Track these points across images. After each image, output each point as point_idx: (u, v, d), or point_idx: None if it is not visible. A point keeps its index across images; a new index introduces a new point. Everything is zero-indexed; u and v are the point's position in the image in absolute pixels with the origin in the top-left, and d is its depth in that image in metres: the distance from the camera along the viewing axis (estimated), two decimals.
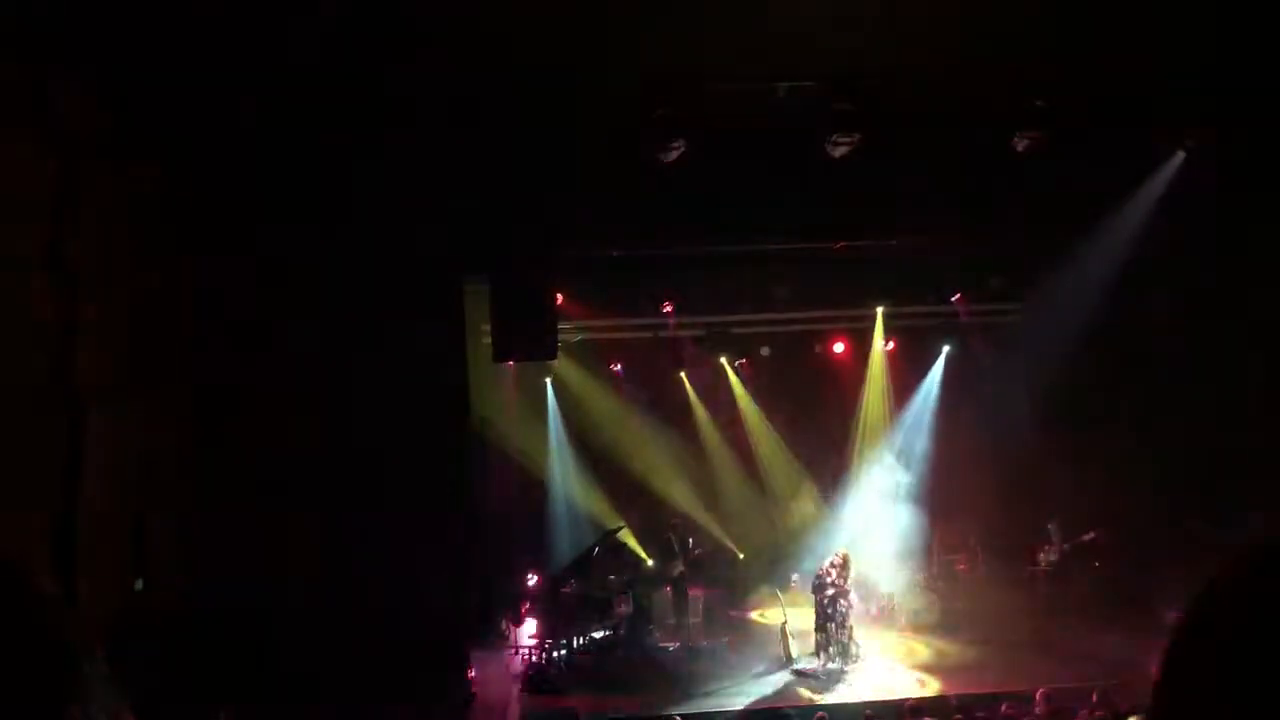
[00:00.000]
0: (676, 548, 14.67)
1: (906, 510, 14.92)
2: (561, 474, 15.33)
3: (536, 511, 14.73)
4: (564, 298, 13.81)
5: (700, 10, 10.12)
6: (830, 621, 12.65)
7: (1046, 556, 14.38)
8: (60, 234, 7.71)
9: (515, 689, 12.50)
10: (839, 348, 15.86)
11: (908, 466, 15.44)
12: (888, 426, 15.90)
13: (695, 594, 14.65)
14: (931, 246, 13.87)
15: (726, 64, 10.89)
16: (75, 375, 7.95)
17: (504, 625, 13.82)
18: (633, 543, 15.12)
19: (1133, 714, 8.46)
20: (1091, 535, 13.72)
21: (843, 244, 13.85)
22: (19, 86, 7.31)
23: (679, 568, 14.52)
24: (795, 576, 14.73)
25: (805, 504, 15.98)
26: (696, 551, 14.90)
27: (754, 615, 14.64)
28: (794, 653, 12.93)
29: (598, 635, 12.98)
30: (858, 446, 16.00)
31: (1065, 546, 14.01)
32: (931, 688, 11.71)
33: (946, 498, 14.87)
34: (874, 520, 15.04)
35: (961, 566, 15.19)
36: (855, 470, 15.81)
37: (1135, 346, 13.68)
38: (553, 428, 15.46)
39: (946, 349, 15.66)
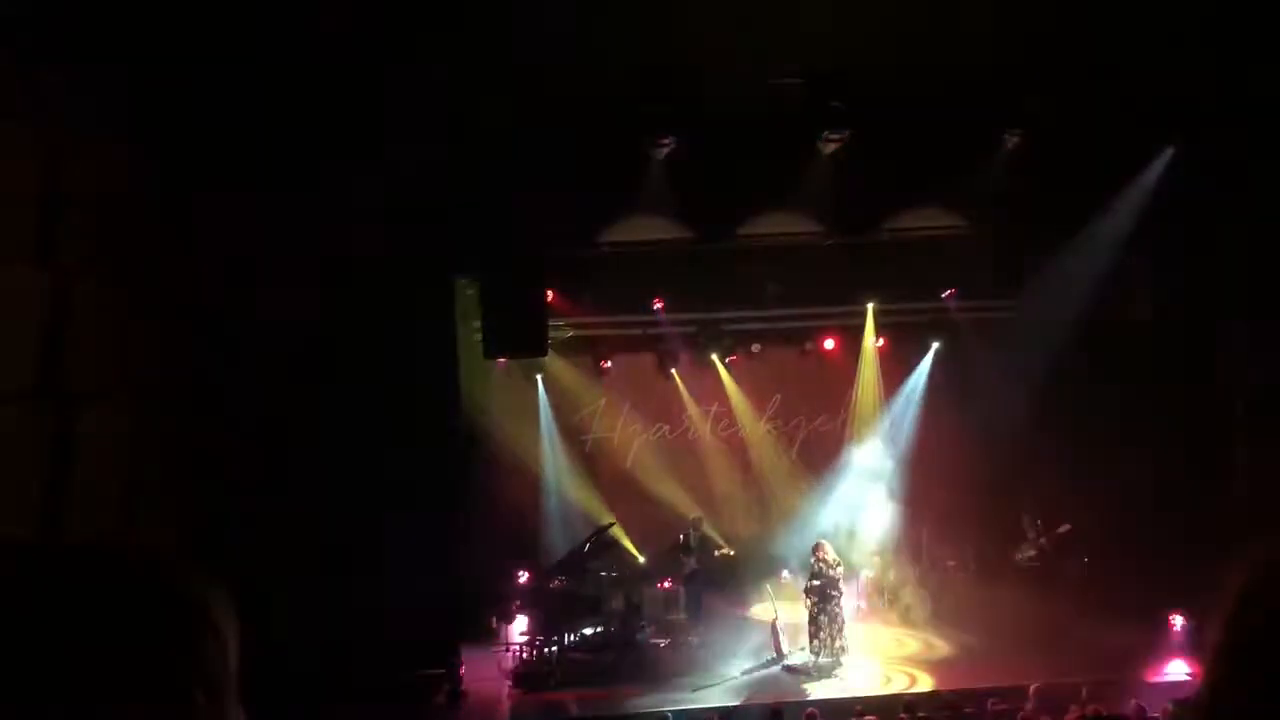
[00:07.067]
0: (693, 545, 14.59)
1: (892, 503, 14.97)
2: (554, 471, 15.27)
3: (529, 508, 14.66)
4: (554, 294, 13.77)
5: (691, 7, 10.11)
6: (822, 615, 12.67)
7: (1024, 552, 14.44)
8: (50, 228, 7.63)
9: (506, 687, 12.47)
10: (830, 344, 15.87)
11: (893, 454, 15.49)
12: (878, 421, 15.93)
13: (685, 590, 14.62)
14: (922, 243, 13.89)
15: (717, 61, 10.88)
16: (65, 374, 7.87)
17: (494, 622, 13.77)
18: (625, 540, 15.08)
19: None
20: (1066, 528, 13.77)
21: (833, 240, 13.87)
22: (8, 77, 7.23)
23: (691, 565, 14.45)
24: (785, 572, 14.73)
25: (795, 500, 15.97)
26: (717, 552, 14.80)
27: (745, 611, 14.62)
28: (785, 648, 12.94)
29: (589, 632, 12.95)
30: (849, 443, 16.02)
31: (1042, 541, 14.06)
32: (923, 683, 11.74)
33: (937, 494, 14.90)
34: (860, 512, 15.12)
35: (952, 562, 15.23)
36: (845, 464, 15.85)
37: (1124, 343, 13.72)
38: (544, 424, 15.40)
39: (936, 345, 15.69)
